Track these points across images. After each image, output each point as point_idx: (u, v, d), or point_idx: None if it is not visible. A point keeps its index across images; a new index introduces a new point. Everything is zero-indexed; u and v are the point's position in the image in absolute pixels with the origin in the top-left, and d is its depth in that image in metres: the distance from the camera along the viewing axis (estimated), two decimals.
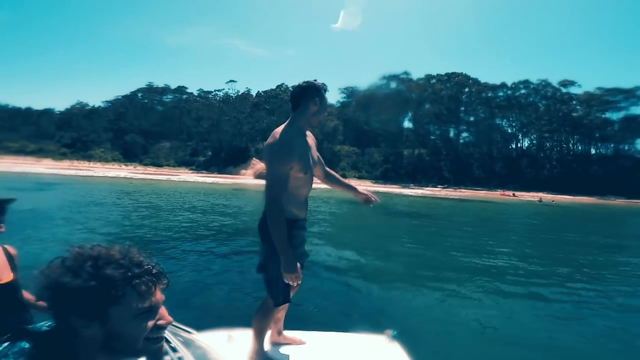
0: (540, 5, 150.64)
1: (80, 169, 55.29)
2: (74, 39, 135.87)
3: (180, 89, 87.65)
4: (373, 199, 2.42)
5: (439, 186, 69.49)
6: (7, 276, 1.95)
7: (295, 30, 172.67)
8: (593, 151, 78.09)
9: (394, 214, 19.83)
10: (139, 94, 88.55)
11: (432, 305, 5.41)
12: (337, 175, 2.47)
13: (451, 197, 48.61)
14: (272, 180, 2.01)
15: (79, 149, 74.14)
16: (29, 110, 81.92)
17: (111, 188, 27.76)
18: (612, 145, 77.31)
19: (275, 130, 2.08)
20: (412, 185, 68.10)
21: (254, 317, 2.23)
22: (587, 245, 12.29)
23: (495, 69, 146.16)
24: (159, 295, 0.85)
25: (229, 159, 72.57)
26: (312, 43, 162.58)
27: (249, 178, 52.90)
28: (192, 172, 68.85)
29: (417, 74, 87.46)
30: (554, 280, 7.31)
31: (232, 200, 22.80)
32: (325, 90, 2.14)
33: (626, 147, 76.87)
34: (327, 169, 2.46)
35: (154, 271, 0.83)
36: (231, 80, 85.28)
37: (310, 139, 2.24)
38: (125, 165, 71.40)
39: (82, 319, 0.78)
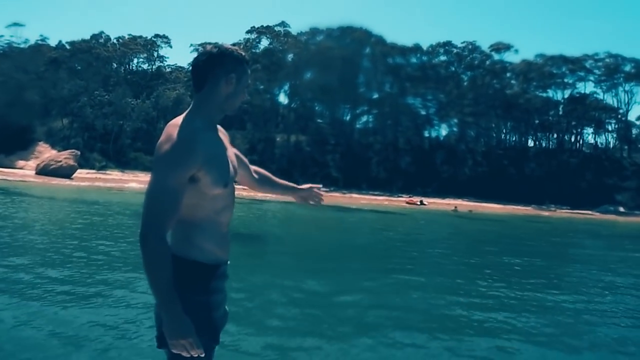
0: None
1: None
2: None
3: None
4: (317, 197, 2.03)
5: (323, 188, 57.81)
6: None
7: None
8: (531, 143, 70.03)
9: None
10: None
11: None
12: (270, 175, 2.02)
13: (334, 204, 40.21)
14: (154, 194, 1.46)
15: None
16: None
17: None
18: (554, 135, 69.55)
19: (171, 122, 1.58)
20: None
21: None
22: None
23: (406, 27, 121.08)
24: None
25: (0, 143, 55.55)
26: None
27: (29, 172, 47.97)
28: None
29: (299, 26, 72.63)
30: None
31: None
32: (246, 62, 1.62)
33: (572, 138, 69.75)
34: (254, 168, 1.96)
35: None
36: (15, 24, 63.59)
37: (223, 134, 1.72)
38: None
39: None
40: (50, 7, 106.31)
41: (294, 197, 2.04)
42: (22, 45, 65.08)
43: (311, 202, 2.05)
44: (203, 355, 1.52)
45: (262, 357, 4.83)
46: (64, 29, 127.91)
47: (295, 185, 2.03)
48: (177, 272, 1.51)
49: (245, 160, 1.88)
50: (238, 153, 1.82)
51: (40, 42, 65.94)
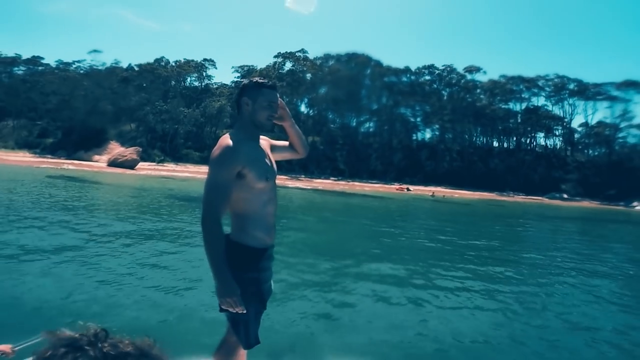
0: None
1: None
2: None
3: (35, 60, 74.09)
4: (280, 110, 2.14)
5: (332, 178, 64.67)
6: None
7: (194, 2, 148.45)
8: (495, 144, 75.34)
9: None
10: None
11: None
12: (289, 140, 2.27)
13: (340, 190, 45.33)
14: (209, 187, 1.82)
15: None
16: None
17: None
18: (514, 138, 74.88)
19: (222, 135, 1.98)
20: (302, 176, 62.48)
21: (214, 356, 2.08)
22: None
23: (399, 52, 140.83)
24: None
25: (81, 142, 62.40)
26: (212, 18, 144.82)
27: (102, 164, 52.23)
28: (32, 156, 58.31)
29: (315, 52, 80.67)
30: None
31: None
32: (263, 86, 1.95)
33: (527, 141, 75.19)
34: (283, 143, 2.29)
35: None
36: (94, 50, 72.92)
37: (265, 144, 2.09)
38: None
39: None
40: (123, 37, 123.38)
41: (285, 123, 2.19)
42: (100, 67, 73.25)
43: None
44: (246, 312, 1.82)
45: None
46: (133, 54, 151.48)
47: (284, 124, 2.17)
48: (235, 254, 1.86)
49: (284, 143, 2.27)
50: (276, 143, 2.23)
51: (114, 64, 73.92)
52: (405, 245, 11.40)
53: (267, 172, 1.93)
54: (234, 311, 1.80)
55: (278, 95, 2.01)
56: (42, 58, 75.12)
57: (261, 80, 1.97)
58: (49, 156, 59.07)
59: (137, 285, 5.54)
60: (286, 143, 2.26)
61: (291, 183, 49.17)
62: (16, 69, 74.24)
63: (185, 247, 8.58)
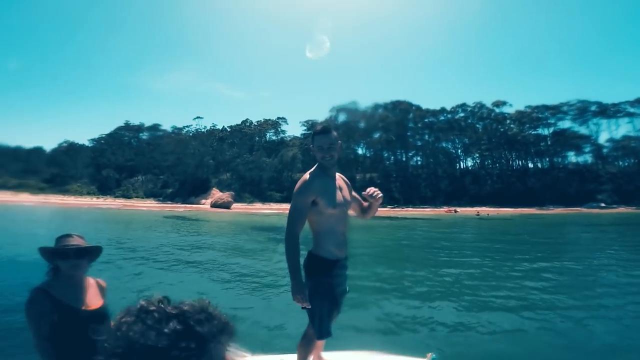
0: (470, 32, 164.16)
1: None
2: (68, 82, 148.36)
3: (155, 127, 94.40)
4: (374, 195, 2.49)
5: (389, 206, 71.44)
6: (98, 302, 2.06)
7: (270, 74, 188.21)
8: (530, 165, 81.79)
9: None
10: (120, 132, 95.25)
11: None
12: (365, 205, 2.64)
13: (395, 215, 50.66)
14: (291, 211, 2.25)
15: (57, 184, 78.51)
16: (18, 149, 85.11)
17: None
18: (547, 158, 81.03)
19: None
20: None
21: (298, 345, 2.42)
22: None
23: (435, 95, 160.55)
24: None
25: (192, 190, 76.48)
26: (283, 85, 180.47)
27: (207, 206, 62.75)
28: (156, 202, 74.08)
29: (365, 102, 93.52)
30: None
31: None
32: (316, 133, 2.37)
33: (560, 160, 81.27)
34: (359, 198, 2.66)
35: (231, 324, 0.79)
36: (198, 117, 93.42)
37: (341, 181, 2.49)
38: (97, 198, 76.42)
39: None
40: (218, 105, 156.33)
41: (371, 202, 2.52)
42: (203, 130, 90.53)
43: (372, 200, 2.49)
44: (320, 309, 2.19)
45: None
46: (226, 117, 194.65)
47: (368, 202, 2.52)
48: (313, 263, 2.24)
49: (359, 198, 2.58)
50: (356, 195, 2.55)
51: (212, 127, 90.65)
52: (453, 251, 12.77)
53: (334, 201, 2.27)
54: (301, 305, 2.16)
55: (331, 136, 2.32)
56: (161, 125, 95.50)
57: (315, 129, 2.39)
58: (169, 202, 74.84)
59: (232, 287, 6.98)
60: (361, 200, 2.61)
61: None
62: (142, 134, 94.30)
63: (261, 260, 10.62)
